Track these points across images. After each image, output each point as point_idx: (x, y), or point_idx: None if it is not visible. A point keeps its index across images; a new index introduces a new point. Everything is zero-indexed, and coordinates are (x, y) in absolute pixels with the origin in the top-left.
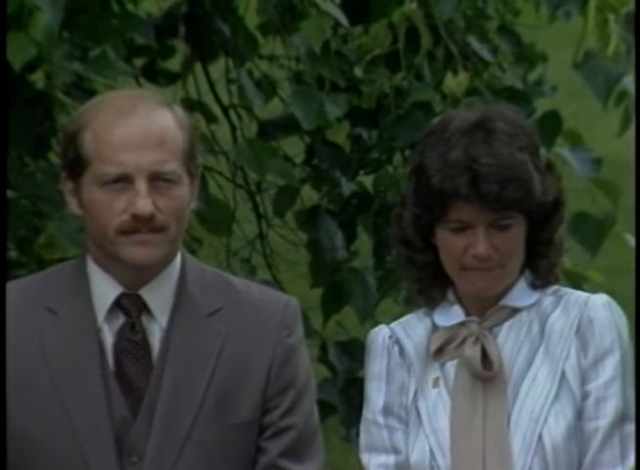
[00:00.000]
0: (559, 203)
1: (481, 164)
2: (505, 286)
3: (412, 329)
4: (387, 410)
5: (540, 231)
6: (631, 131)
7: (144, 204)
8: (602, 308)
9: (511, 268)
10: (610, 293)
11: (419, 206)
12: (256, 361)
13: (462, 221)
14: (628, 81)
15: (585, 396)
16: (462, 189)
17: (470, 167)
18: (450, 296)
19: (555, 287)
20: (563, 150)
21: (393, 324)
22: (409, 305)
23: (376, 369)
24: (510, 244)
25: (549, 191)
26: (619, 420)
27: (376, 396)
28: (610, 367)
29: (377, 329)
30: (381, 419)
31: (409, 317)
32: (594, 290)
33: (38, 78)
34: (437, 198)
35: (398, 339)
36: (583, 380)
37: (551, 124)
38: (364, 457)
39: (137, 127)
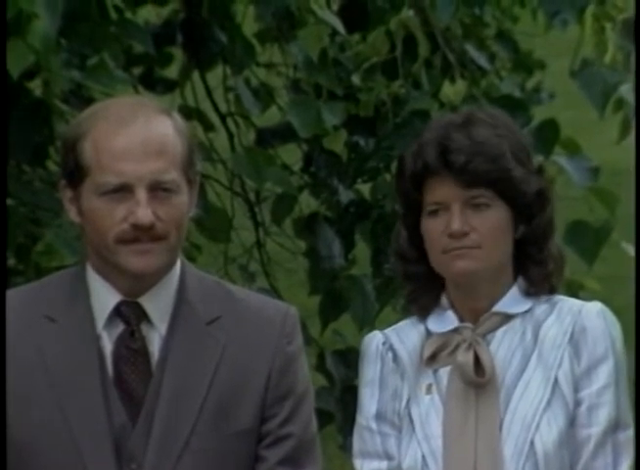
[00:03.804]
0: (543, 196)
1: (452, 139)
2: (488, 271)
3: (406, 335)
4: (380, 416)
5: (525, 228)
6: (629, 139)
7: (144, 213)
8: (596, 316)
9: (492, 251)
10: (607, 301)
11: (401, 199)
12: (256, 369)
13: (437, 203)
14: (626, 89)
15: (578, 403)
16: (430, 162)
17: (441, 143)
18: (444, 301)
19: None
20: (560, 158)
21: (387, 330)
22: (407, 313)
23: (369, 375)
24: (487, 224)
25: (531, 181)
26: (612, 428)
27: (369, 402)
28: (603, 375)
29: (370, 335)
30: (374, 425)
31: (403, 323)
32: (591, 298)
33: (36, 86)
34: (411, 180)
35: (392, 345)
36: (576, 387)
37: (549, 133)
38: (357, 463)
39: (137, 136)
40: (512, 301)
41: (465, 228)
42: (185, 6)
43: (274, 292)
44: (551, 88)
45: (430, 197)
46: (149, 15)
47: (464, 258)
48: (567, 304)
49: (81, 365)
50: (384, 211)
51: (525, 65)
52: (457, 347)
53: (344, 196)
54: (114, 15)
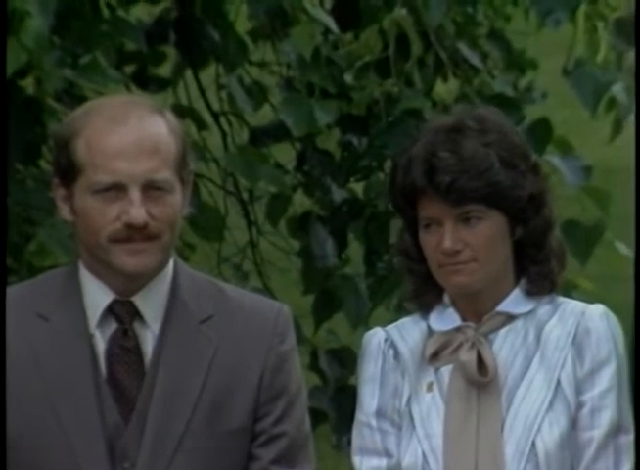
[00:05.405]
0: (537, 200)
1: (438, 157)
2: (486, 281)
3: (408, 332)
4: (380, 413)
5: (522, 230)
6: (622, 138)
7: (138, 213)
8: (599, 319)
9: (488, 263)
10: (601, 300)
11: (396, 211)
12: (249, 368)
13: (430, 218)
14: (618, 88)
15: (580, 405)
16: (417, 182)
17: (427, 161)
18: (446, 299)
19: (552, 295)
20: (553, 157)
21: (389, 327)
22: (400, 312)
23: (370, 372)
24: (480, 238)
25: (525, 185)
26: (614, 431)
27: (369, 398)
28: (605, 378)
29: (372, 332)
30: (374, 422)
31: (405, 320)
32: (584, 297)
33: (28, 85)
34: (402, 195)
35: (394, 342)
36: (579, 390)
37: (541, 132)
38: (356, 460)
39: (130, 135)
40: (515, 301)
41: (457, 246)
42: (177, 4)
43: (267, 291)
44: (543, 87)
45: (423, 212)
46: (141, 13)
47: (459, 274)
48: (569, 305)
49: (74, 364)
50: (376, 209)
51: (517, 63)
52: (459, 346)
53: (337, 195)
54: (106, 13)
